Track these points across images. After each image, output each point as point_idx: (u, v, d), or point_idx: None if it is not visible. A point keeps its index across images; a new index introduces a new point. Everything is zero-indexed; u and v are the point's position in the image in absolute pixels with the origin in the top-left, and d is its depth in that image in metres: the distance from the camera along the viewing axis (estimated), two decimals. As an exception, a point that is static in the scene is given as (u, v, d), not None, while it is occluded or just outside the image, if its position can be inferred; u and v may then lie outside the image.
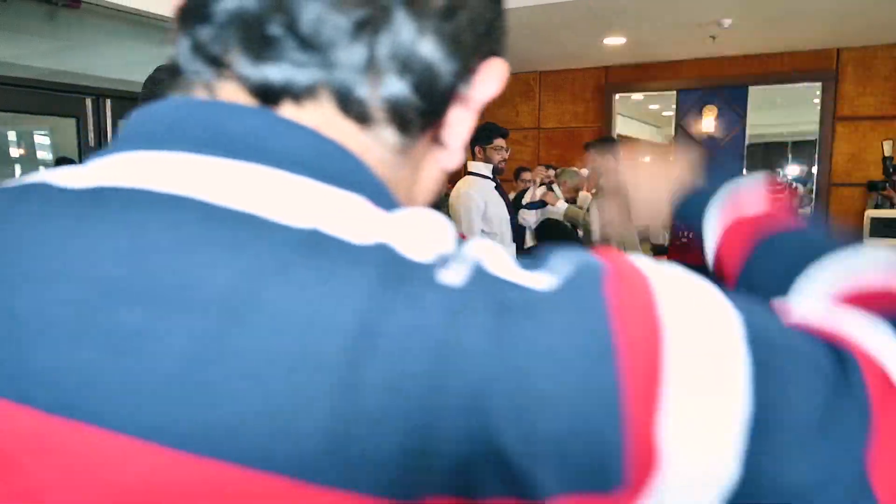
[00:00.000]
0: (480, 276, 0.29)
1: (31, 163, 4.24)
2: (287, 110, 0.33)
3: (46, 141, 4.22)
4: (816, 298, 0.45)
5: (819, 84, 5.64)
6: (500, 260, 0.30)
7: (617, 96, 6.43)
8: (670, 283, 0.31)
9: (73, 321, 0.28)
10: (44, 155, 4.27)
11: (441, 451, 0.26)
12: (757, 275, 0.53)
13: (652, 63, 6.10)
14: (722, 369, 0.29)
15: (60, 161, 3.91)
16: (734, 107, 5.96)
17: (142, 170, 0.32)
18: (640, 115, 10.83)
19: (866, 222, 5.12)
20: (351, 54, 0.32)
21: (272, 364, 0.27)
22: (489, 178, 3.42)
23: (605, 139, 4.66)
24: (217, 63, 0.33)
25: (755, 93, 5.93)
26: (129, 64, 3.63)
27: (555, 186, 4.74)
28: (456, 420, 0.26)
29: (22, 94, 3.35)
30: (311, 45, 0.31)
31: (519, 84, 6.43)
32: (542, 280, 0.29)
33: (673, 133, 6.36)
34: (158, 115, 0.34)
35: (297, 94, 0.32)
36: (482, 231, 3.31)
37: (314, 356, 0.27)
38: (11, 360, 0.29)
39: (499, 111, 6.03)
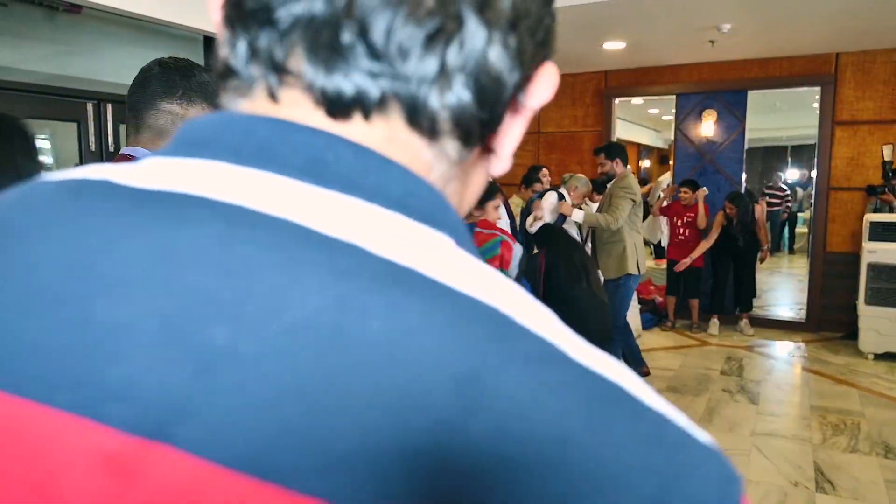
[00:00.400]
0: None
1: (31, 167, 4.24)
2: (356, 126, 0.32)
3: (47, 145, 4.23)
4: None
5: (818, 88, 5.66)
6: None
7: (617, 100, 6.45)
8: None
9: (157, 334, 0.27)
10: (45, 159, 4.28)
11: None
12: None
13: (652, 67, 6.11)
14: None
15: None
16: (733, 111, 5.97)
17: (228, 183, 0.31)
18: (639, 120, 10.86)
19: (865, 226, 5.14)
20: (424, 64, 0.30)
21: (373, 400, 0.25)
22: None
23: (612, 145, 4.61)
24: (279, 69, 0.31)
25: (754, 97, 5.95)
26: (130, 68, 3.61)
27: (564, 193, 4.67)
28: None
29: (23, 98, 3.35)
30: (382, 54, 0.30)
31: (519, 88, 6.44)
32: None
33: (672, 137, 6.38)
34: (241, 129, 0.32)
35: (369, 106, 0.31)
36: None
37: (421, 396, 0.26)
38: (87, 373, 0.27)
39: (499, 115, 6.03)
